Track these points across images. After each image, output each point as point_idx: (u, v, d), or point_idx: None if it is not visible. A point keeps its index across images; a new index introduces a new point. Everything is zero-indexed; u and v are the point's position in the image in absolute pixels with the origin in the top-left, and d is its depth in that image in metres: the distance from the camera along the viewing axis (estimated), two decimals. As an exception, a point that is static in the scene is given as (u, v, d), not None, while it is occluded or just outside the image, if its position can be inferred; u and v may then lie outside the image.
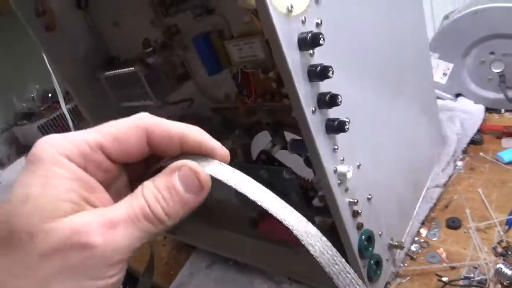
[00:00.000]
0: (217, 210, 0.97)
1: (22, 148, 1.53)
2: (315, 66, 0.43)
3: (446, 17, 0.94)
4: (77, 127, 1.17)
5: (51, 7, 0.72)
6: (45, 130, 1.36)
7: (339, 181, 0.50)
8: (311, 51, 0.44)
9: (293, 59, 0.42)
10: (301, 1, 0.42)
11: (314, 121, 0.46)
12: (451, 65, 0.91)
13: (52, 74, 0.97)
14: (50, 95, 1.43)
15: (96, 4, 0.75)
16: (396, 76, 0.63)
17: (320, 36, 0.42)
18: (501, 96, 0.87)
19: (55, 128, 1.38)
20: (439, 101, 0.91)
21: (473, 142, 0.83)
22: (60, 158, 0.24)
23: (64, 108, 1.00)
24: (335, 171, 0.49)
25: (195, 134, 0.28)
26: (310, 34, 0.42)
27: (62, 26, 0.74)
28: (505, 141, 0.81)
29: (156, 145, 0.28)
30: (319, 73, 0.43)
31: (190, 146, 0.28)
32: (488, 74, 0.87)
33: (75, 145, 0.25)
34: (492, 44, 0.84)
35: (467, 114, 0.88)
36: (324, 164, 0.48)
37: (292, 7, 0.41)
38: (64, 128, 1.40)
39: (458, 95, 0.95)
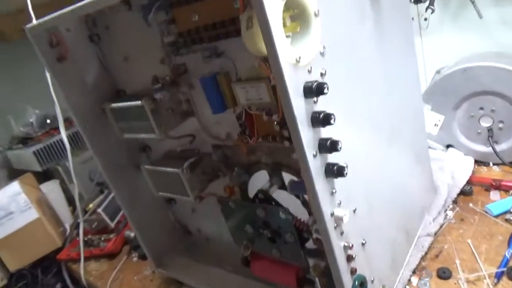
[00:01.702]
0: (207, 246, 0.97)
1: (14, 172, 1.51)
2: (318, 113, 0.46)
3: (438, 71, 0.99)
4: (73, 155, 1.17)
5: (65, 39, 0.75)
6: (41, 155, 1.36)
7: (336, 225, 0.52)
8: (315, 99, 0.46)
9: (298, 105, 0.45)
10: (308, 52, 0.46)
11: (315, 165, 0.48)
12: (442, 117, 0.96)
13: (56, 101, 1.00)
14: (48, 121, 1.44)
15: (108, 39, 0.78)
16: (392, 126, 0.66)
17: (325, 85, 0.45)
18: (489, 149, 0.91)
19: (50, 154, 1.38)
20: (431, 151, 0.94)
21: (463, 193, 0.85)
22: None
23: (63, 134, 1.01)
24: (332, 214, 0.51)
25: None
26: (315, 83, 0.44)
27: (73, 57, 0.77)
28: (493, 194, 0.83)
29: None
30: (321, 120, 0.46)
31: None
32: (477, 128, 0.92)
33: None
34: (481, 100, 0.89)
35: (457, 165, 0.91)
36: (322, 206, 0.49)
37: (300, 58, 0.44)
38: (60, 155, 1.40)
39: (448, 146, 0.98)
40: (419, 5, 0.96)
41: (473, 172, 0.90)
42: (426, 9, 0.95)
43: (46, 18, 0.66)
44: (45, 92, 1.10)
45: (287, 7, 0.43)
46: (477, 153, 0.93)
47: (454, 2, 0.97)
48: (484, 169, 0.92)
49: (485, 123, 0.90)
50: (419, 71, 0.77)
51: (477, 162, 0.93)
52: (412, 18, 0.97)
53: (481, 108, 0.89)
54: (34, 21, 0.71)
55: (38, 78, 1.42)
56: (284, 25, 0.43)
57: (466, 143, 0.95)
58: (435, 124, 0.97)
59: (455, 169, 0.90)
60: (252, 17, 0.44)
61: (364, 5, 0.56)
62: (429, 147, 0.95)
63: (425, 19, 0.99)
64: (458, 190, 0.85)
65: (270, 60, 0.42)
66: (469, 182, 0.87)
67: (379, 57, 0.62)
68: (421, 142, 0.81)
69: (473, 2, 0.90)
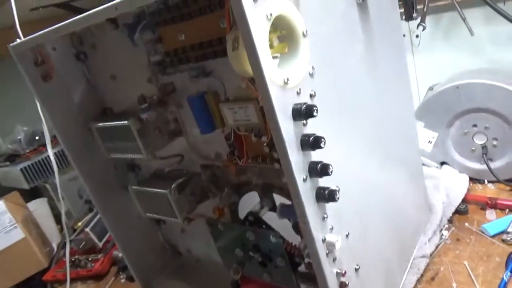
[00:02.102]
0: (197, 268, 0.94)
1: (1, 190, 1.48)
2: (308, 136, 0.44)
3: (430, 88, 0.99)
4: (62, 172, 1.14)
5: (51, 57, 0.73)
6: (28, 173, 1.33)
7: (328, 251, 0.49)
8: (304, 121, 0.45)
9: (287, 128, 0.43)
10: (297, 74, 0.44)
11: (305, 189, 0.46)
12: (436, 134, 0.95)
13: (43, 119, 0.97)
14: (37, 137, 1.41)
15: (95, 57, 0.77)
16: (384, 145, 0.65)
17: (314, 108, 0.43)
18: (484, 167, 0.89)
19: (38, 172, 1.35)
20: (425, 168, 0.92)
21: (458, 211, 0.84)
22: None
23: (51, 152, 0.98)
24: (324, 241, 0.49)
25: None
26: (304, 106, 0.43)
27: (59, 76, 0.75)
28: (489, 213, 0.82)
29: None
30: (311, 143, 0.44)
31: None
32: (471, 145, 0.91)
33: None
34: (474, 117, 0.88)
35: (452, 183, 0.89)
36: (313, 233, 0.47)
37: (288, 79, 0.42)
38: (48, 172, 1.36)
39: (443, 163, 0.97)
40: (410, 22, 0.96)
41: (468, 190, 0.88)
42: (418, 26, 0.95)
43: (31, 36, 0.64)
44: (33, 108, 1.07)
45: (274, 28, 0.42)
46: (472, 170, 0.92)
47: (446, 19, 0.97)
48: (479, 186, 0.91)
49: (479, 141, 0.89)
50: (411, 88, 0.76)
51: (471, 179, 0.92)
52: (404, 35, 0.97)
53: (475, 125, 0.88)
54: (20, 39, 0.69)
55: (26, 95, 1.40)
56: (271, 46, 0.42)
57: (460, 160, 0.93)
58: (429, 141, 0.95)
59: (450, 187, 0.88)
60: (238, 37, 0.43)
61: (354, 24, 0.55)
62: (423, 164, 0.93)
63: (417, 36, 0.99)
64: (453, 209, 0.83)
65: (257, 82, 0.41)
66: (464, 200, 0.86)
67: (370, 76, 0.60)
68: (415, 160, 0.80)
69: (464, 20, 0.90)
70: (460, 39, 0.96)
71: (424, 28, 0.95)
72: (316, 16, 0.47)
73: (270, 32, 0.41)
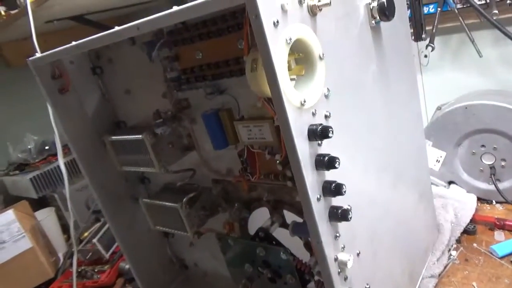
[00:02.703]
0: (203, 282, 0.94)
1: (10, 198, 1.49)
2: (323, 156, 0.45)
3: (439, 108, 0.99)
4: (70, 182, 1.15)
5: (68, 71, 0.75)
6: (37, 182, 1.34)
7: (339, 270, 0.50)
8: (319, 142, 0.46)
9: (302, 148, 0.44)
10: (313, 95, 0.45)
11: (319, 208, 0.46)
12: (443, 153, 0.95)
13: (55, 130, 0.99)
14: (47, 147, 1.43)
15: (111, 71, 0.79)
16: (396, 165, 0.65)
17: (330, 129, 0.44)
18: (492, 187, 0.90)
19: (47, 181, 1.36)
20: (433, 187, 0.93)
21: (466, 232, 0.84)
22: None
23: (62, 164, 1.00)
24: (336, 259, 0.49)
25: None
26: (320, 127, 0.44)
27: (75, 89, 0.77)
28: (498, 234, 0.82)
29: None
30: (326, 163, 0.45)
31: None
32: (479, 165, 0.91)
33: None
34: (482, 137, 0.89)
35: (460, 203, 0.89)
36: (325, 251, 0.48)
37: (304, 101, 0.44)
38: (56, 182, 1.38)
39: (450, 182, 0.97)
40: (419, 42, 0.97)
41: (476, 210, 0.89)
42: (427, 46, 0.97)
43: (50, 52, 0.66)
44: (44, 118, 1.09)
45: (292, 51, 0.43)
46: (480, 190, 0.92)
47: (454, 40, 0.99)
48: (487, 207, 0.91)
49: (487, 161, 0.90)
50: (420, 107, 0.77)
51: (480, 199, 0.92)
52: (413, 55, 0.98)
53: (483, 146, 0.89)
54: (38, 53, 0.71)
55: (37, 105, 1.42)
56: (289, 68, 0.43)
57: (469, 180, 0.94)
58: (437, 160, 0.96)
59: (458, 206, 0.88)
60: (256, 59, 0.44)
61: (368, 47, 0.57)
62: (431, 183, 0.93)
63: (425, 56, 1.00)
64: (461, 229, 0.84)
65: (275, 103, 0.42)
66: (472, 220, 0.86)
67: (383, 97, 0.61)
68: (424, 179, 0.80)
69: (473, 41, 0.92)
70: (469, 60, 0.98)
71: (433, 49, 0.96)
72: (332, 39, 0.48)
73: (288, 54, 0.42)
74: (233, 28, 0.53)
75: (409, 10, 0.94)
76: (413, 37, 0.96)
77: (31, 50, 1.70)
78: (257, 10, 0.38)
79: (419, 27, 0.95)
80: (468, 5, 0.89)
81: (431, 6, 0.95)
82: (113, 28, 0.53)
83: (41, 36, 0.95)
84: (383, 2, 0.54)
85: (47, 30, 1.37)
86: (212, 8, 0.41)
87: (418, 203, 0.76)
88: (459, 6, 0.92)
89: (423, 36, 0.96)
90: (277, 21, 0.39)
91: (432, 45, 0.96)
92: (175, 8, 0.45)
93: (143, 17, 0.48)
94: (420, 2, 0.93)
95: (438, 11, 0.93)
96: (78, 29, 1.39)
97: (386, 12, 0.54)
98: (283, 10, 0.40)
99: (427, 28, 0.96)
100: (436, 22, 0.94)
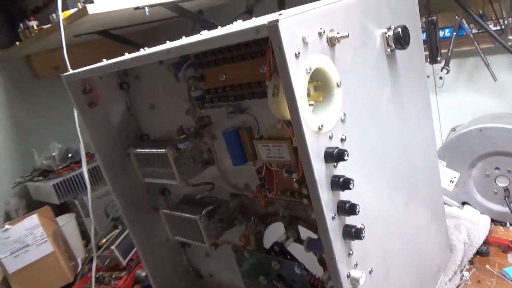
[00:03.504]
0: (218, 292, 0.96)
1: (32, 203, 1.55)
2: (338, 177, 0.48)
3: (453, 129, 1.01)
4: (92, 190, 1.20)
5: (97, 86, 0.80)
6: (60, 189, 1.39)
7: (352, 286, 0.52)
8: (335, 164, 0.48)
9: (319, 169, 0.47)
10: (330, 120, 0.48)
11: (333, 226, 0.49)
12: (458, 174, 0.96)
13: (80, 140, 1.04)
14: (70, 155, 1.49)
15: (137, 87, 0.83)
16: (409, 185, 0.67)
17: (345, 152, 0.47)
18: (506, 210, 0.90)
19: (69, 188, 1.41)
20: (446, 208, 0.94)
21: (479, 253, 0.84)
22: None
23: (86, 173, 1.04)
24: (349, 276, 0.51)
25: None
26: (336, 150, 0.47)
27: (103, 103, 0.81)
28: (511, 256, 0.82)
29: None
30: (341, 184, 0.47)
31: None
32: (493, 187, 0.92)
33: None
34: (496, 160, 0.90)
35: (473, 224, 0.90)
36: (339, 267, 0.50)
37: (322, 126, 0.46)
38: (78, 189, 1.43)
39: (464, 203, 0.98)
40: (434, 65, 1.00)
41: (490, 231, 0.89)
42: (442, 69, 0.99)
43: (83, 69, 0.71)
44: (68, 127, 1.14)
45: (311, 79, 0.46)
46: (494, 212, 0.93)
47: (469, 64, 1.01)
48: (501, 229, 0.92)
49: (502, 183, 0.90)
50: (434, 127, 0.79)
51: (493, 221, 0.93)
52: (428, 76, 1.00)
53: (497, 168, 0.90)
54: (70, 70, 0.76)
55: (62, 114, 1.49)
56: (308, 94, 0.46)
57: (482, 201, 0.94)
58: (451, 181, 0.97)
59: (472, 227, 0.89)
60: (278, 85, 0.48)
61: (383, 72, 0.59)
62: (445, 203, 0.95)
63: (440, 78, 1.02)
64: (474, 250, 0.84)
65: (294, 128, 0.45)
66: (485, 242, 0.86)
67: (397, 118, 0.64)
68: (437, 199, 0.81)
69: (487, 65, 0.93)
70: (483, 84, 0.99)
71: (448, 71, 0.98)
72: (349, 68, 0.51)
73: (307, 82, 0.45)
74: (256, 54, 0.56)
75: (425, 34, 0.97)
76: (428, 60, 0.98)
77: (58, 62, 1.77)
78: (280, 43, 0.41)
79: (434, 50, 0.97)
80: (483, 30, 0.91)
81: (447, 30, 0.97)
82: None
83: (68, 48, 1.01)
84: (399, 31, 0.57)
85: (74, 43, 1.44)
86: (239, 39, 0.44)
87: (430, 222, 0.77)
88: (474, 31, 0.94)
89: (438, 58, 0.98)
90: (299, 53, 0.43)
91: (447, 67, 0.98)
92: (204, 35, 0.49)
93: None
94: (436, 26, 0.95)
95: (454, 35, 0.96)
96: (103, 42, 1.46)
97: (401, 41, 0.57)
98: (304, 42, 0.44)
99: (442, 51, 0.98)
100: (451, 46, 0.96)
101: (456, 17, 0.95)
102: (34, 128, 1.64)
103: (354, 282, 0.52)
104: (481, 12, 0.92)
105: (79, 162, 1.48)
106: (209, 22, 1.22)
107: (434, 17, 0.96)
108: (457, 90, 1.04)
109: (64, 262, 1.24)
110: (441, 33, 0.98)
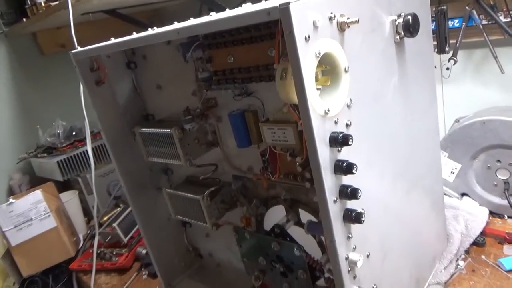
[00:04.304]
0: (216, 271, 0.98)
1: (35, 179, 1.57)
2: (342, 161, 0.49)
3: (457, 120, 1.01)
4: (96, 167, 1.21)
5: (105, 65, 0.80)
6: (64, 166, 1.41)
7: (349, 268, 0.53)
8: (339, 148, 0.49)
9: (323, 153, 0.47)
10: (336, 105, 0.49)
11: (334, 210, 0.50)
12: (459, 165, 0.97)
13: (86, 119, 1.05)
14: (74, 133, 1.50)
15: (144, 67, 0.83)
16: (411, 174, 0.68)
17: (350, 137, 0.47)
18: (505, 202, 0.91)
19: (72, 166, 1.43)
20: (445, 198, 0.95)
21: (475, 243, 0.86)
22: None
23: (90, 152, 1.06)
24: (347, 258, 0.53)
25: None
26: (341, 135, 0.47)
27: (110, 81, 0.82)
28: (507, 248, 0.83)
29: None
30: (344, 169, 0.48)
31: None
32: (493, 180, 0.93)
33: None
34: (498, 152, 0.90)
35: (472, 215, 0.91)
36: (338, 250, 0.51)
37: (328, 110, 0.47)
38: (81, 167, 1.45)
39: (463, 194, 0.99)
40: (442, 55, 0.99)
41: (487, 223, 0.90)
42: (449, 59, 0.98)
43: (92, 47, 0.71)
44: (72, 105, 1.15)
45: (320, 63, 0.46)
46: (493, 204, 0.94)
47: (477, 55, 1.00)
48: (498, 221, 0.93)
49: (502, 176, 0.91)
50: (438, 118, 0.79)
51: (492, 213, 0.94)
52: (435, 66, 1.00)
53: (498, 161, 0.91)
54: (79, 47, 0.76)
55: (67, 91, 1.50)
56: (316, 79, 0.47)
57: (482, 193, 0.95)
58: (452, 172, 0.98)
59: (470, 218, 0.90)
60: (286, 69, 0.48)
61: (391, 60, 0.59)
62: (444, 194, 0.95)
63: (447, 69, 1.02)
64: (471, 241, 0.86)
65: (301, 111, 0.45)
66: (482, 233, 0.88)
67: (402, 107, 0.64)
68: (437, 189, 0.82)
69: (496, 57, 0.93)
70: (490, 76, 0.99)
71: (455, 62, 0.98)
72: (357, 53, 0.51)
73: (316, 66, 0.46)
74: (265, 37, 0.57)
75: (434, 23, 0.96)
76: (436, 50, 0.98)
77: (64, 39, 1.77)
78: (291, 27, 0.41)
79: (442, 40, 0.97)
80: (493, 21, 0.91)
81: (456, 21, 0.97)
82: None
83: (75, 26, 1.01)
84: (409, 19, 0.57)
85: (80, 21, 1.43)
86: (250, 20, 0.45)
87: (429, 211, 0.78)
88: (484, 22, 0.93)
89: (447, 49, 0.98)
90: (309, 36, 0.43)
91: (455, 58, 0.98)
92: (214, 17, 0.49)
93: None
94: (445, 16, 0.95)
95: (463, 26, 0.95)
96: (109, 21, 1.45)
97: (410, 29, 0.57)
98: (315, 26, 0.44)
99: (451, 41, 0.98)
100: (460, 37, 0.96)
101: (467, 7, 0.95)
102: (39, 105, 1.65)
103: (352, 264, 0.53)
104: (492, 3, 0.91)
105: (82, 141, 1.50)
106: (217, 4, 1.21)
107: (444, 7, 0.95)
108: (463, 81, 1.04)
109: (67, 237, 1.26)
110: (450, 23, 0.98)
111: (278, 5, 0.41)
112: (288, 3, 0.41)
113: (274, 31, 0.53)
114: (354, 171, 0.48)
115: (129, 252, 1.19)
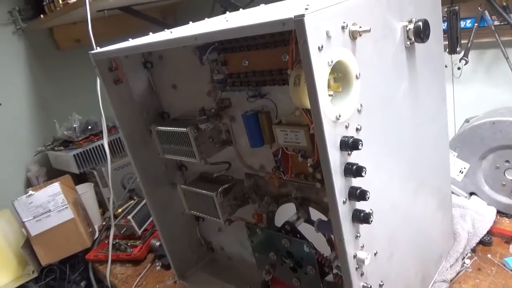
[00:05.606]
0: (228, 265, 1.02)
1: (52, 171, 1.61)
2: (351, 164, 0.51)
3: (467, 120, 1.02)
4: (111, 161, 1.24)
5: (122, 65, 0.83)
6: (80, 159, 1.45)
7: (357, 266, 0.56)
8: (349, 152, 0.51)
9: (334, 156, 0.50)
10: (347, 110, 0.51)
11: (343, 210, 0.52)
12: (467, 165, 0.98)
13: (103, 115, 1.08)
14: (90, 127, 1.54)
15: (161, 67, 0.86)
16: (419, 175, 0.70)
17: (360, 142, 0.49)
18: (513, 202, 0.92)
19: (88, 159, 1.47)
20: (453, 197, 0.96)
21: (482, 242, 0.87)
22: None
23: (106, 146, 1.09)
24: (355, 256, 0.55)
25: None
26: (351, 139, 0.49)
27: (128, 80, 0.85)
28: (513, 247, 0.85)
29: None
30: (354, 172, 0.50)
31: None
32: (502, 180, 0.94)
33: None
34: (507, 153, 0.91)
35: (479, 214, 0.93)
36: (346, 248, 0.54)
37: (340, 116, 0.49)
38: (97, 160, 1.49)
39: (472, 193, 1.00)
40: (453, 55, 1.00)
41: (495, 222, 0.92)
42: (460, 60, 0.99)
43: (111, 49, 0.73)
44: (87, 100, 1.18)
45: (332, 70, 0.48)
46: (500, 204, 0.95)
47: (488, 56, 1.01)
48: (506, 221, 0.94)
49: (511, 176, 0.92)
50: (447, 118, 0.80)
51: (499, 213, 0.95)
52: (446, 66, 1.01)
53: (507, 161, 0.92)
54: (94, 45, 0.79)
55: (82, 86, 1.53)
56: (328, 85, 0.49)
57: (490, 193, 0.97)
58: (460, 171, 0.99)
59: (477, 218, 0.92)
60: (300, 75, 0.50)
61: (401, 65, 0.61)
62: (452, 193, 0.97)
63: (458, 68, 1.03)
64: (477, 239, 0.87)
65: (313, 116, 0.48)
66: (489, 232, 0.89)
67: (411, 111, 0.66)
68: (445, 189, 0.84)
69: (507, 58, 0.94)
70: (501, 77, 1.00)
71: (466, 62, 0.99)
72: (368, 60, 0.53)
73: (328, 74, 0.48)
74: (279, 43, 0.58)
75: (446, 23, 0.97)
76: (447, 50, 0.99)
77: (80, 35, 1.80)
78: (305, 37, 0.43)
79: (454, 41, 0.97)
80: (506, 22, 0.91)
81: (468, 21, 0.97)
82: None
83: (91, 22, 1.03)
84: (419, 25, 0.58)
85: (94, 17, 1.47)
86: (266, 30, 0.47)
87: (436, 211, 0.80)
88: (496, 23, 0.94)
89: (458, 49, 0.99)
90: (322, 46, 0.45)
91: (466, 58, 0.98)
92: (231, 23, 0.51)
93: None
94: (457, 17, 0.95)
95: (475, 26, 0.96)
96: (122, 16, 1.48)
97: (421, 34, 0.58)
98: (328, 36, 0.46)
99: (462, 41, 0.98)
100: (472, 37, 0.96)
101: (479, 8, 0.95)
102: (55, 99, 1.69)
103: (360, 262, 0.55)
104: (504, 4, 0.91)
105: (97, 135, 1.54)
106: (229, 1, 1.23)
107: (457, 7, 0.96)
108: (474, 81, 1.05)
109: (83, 228, 1.30)
110: (462, 23, 0.98)
111: (293, 16, 0.43)
112: (303, 15, 0.43)
113: (288, 37, 0.55)
114: (363, 174, 0.51)
115: (143, 244, 1.23)
